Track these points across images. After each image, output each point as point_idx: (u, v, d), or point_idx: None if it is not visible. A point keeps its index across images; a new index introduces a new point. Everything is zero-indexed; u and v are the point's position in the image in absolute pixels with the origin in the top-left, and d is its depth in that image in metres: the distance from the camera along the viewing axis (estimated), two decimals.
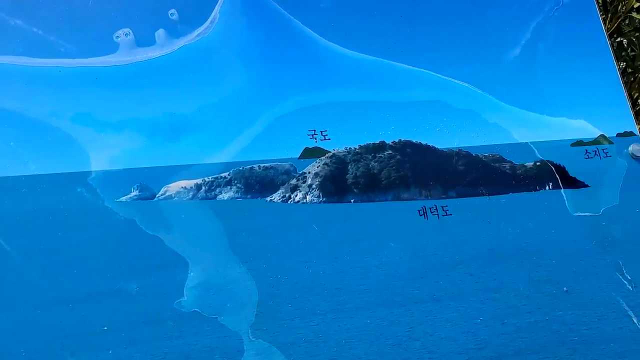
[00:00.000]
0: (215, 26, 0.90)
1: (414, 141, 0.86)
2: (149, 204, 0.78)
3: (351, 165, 0.84)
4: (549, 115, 0.89)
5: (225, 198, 0.80)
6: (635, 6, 1.32)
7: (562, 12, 0.96)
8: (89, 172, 0.77)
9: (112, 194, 0.77)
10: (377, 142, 0.86)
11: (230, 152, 0.83)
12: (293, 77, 0.88)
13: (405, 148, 0.86)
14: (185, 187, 0.80)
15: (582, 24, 0.96)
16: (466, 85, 0.89)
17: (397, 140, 0.86)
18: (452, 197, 0.83)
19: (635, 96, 1.79)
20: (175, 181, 0.80)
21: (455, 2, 0.94)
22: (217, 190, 0.80)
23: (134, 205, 0.77)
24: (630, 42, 1.54)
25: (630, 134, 0.90)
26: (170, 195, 0.80)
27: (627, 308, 0.80)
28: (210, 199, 0.80)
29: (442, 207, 0.82)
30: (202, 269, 0.76)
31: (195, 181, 0.80)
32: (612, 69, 0.93)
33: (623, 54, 1.55)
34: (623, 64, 1.59)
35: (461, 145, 0.86)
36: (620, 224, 0.84)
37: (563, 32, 0.95)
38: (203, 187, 0.80)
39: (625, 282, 0.82)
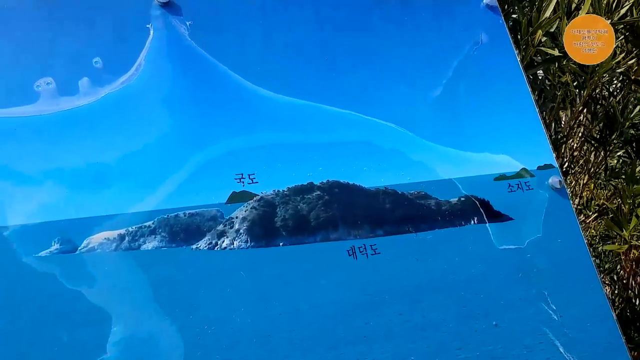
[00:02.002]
0: (141, 73, 0.90)
1: (342, 181, 0.87)
2: (71, 257, 0.76)
3: (279, 207, 0.84)
4: (472, 152, 0.92)
5: (150, 248, 0.78)
6: (542, 40, 1.40)
7: (481, 50, 1.00)
8: (6, 227, 0.75)
9: (31, 249, 0.75)
10: (306, 183, 0.86)
11: (154, 200, 0.81)
12: (220, 121, 0.88)
13: (333, 188, 0.86)
14: (108, 238, 0.78)
15: (499, 60, 1.00)
16: (391, 125, 0.91)
17: (325, 181, 0.87)
18: (380, 236, 0.84)
19: (553, 126, 1.87)
20: (98, 232, 0.78)
21: (378, 43, 0.97)
22: (141, 240, 0.79)
23: (55, 259, 0.75)
24: (545, 74, 1.62)
25: (550, 166, 0.94)
26: (93, 247, 0.77)
27: (553, 338, 0.82)
28: (134, 249, 0.78)
29: (371, 246, 0.83)
30: (125, 323, 0.74)
31: (118, 231, 0.79)
32: (530, 103, 0.97)
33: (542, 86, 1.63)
34: (541, 97, 1.67)
35: (387, 183, 0.88)
36: (544, 255, 0.87)
37: (482, 70, 0.99)
38: (127, 238, 0.79)
39: (551, 312, 0.84)
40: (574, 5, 1.67)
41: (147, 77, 0.90)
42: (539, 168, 0.93)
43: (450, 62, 0.98)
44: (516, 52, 1.55)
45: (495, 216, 0.88)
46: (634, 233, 1.49)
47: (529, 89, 0.98)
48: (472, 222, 0.87)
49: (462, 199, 0.88)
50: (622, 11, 1.81)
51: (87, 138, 0.83)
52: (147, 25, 0.93)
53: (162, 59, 0.91)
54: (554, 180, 0.92)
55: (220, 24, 0.94)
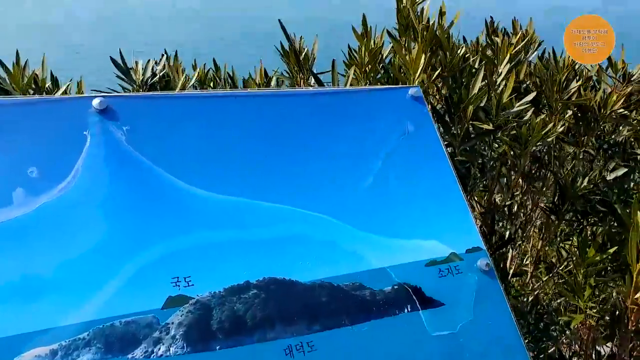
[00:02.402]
0: (78, 180, 0.92)
1: (278, 277, 0.89)
2: None
3: (216, 310, 0.85)
4: (403, 239, 0.96)
5: None
6: (476, 112, 1.49)
7: (408, 140, 1.06)
8: None
9: None
10: (242, 282, 0.88)
11: (90, 310, 0.82)
12: (156, 224, 0.90)
13: (270, 285, 0.88)
14: (39, 355, 0.77)
15: (426, 149, 1.07)
16: (325, 216, 0.95)
17: (261, 279, 0.89)
18: (317, 331, 0.86)
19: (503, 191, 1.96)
20: (28, 350, 0.77)
21: (309, 139, 1.02)
22: (75, 353, 0.78)
23: None
24: (484, 145, 1.72)
25: (478, 249, 0.98)
26: None
27: None
28: None
29: (308, 342, 0.84)
30: None
31: (51, 347, 0.78)
32: (456, 188, 1.02)
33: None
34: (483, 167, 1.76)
35: (323, 276, 0.90)
36: (476, 339, 0.90)
37: (410, 159, 1.04)
38: (59, 352, 0.78)
39: None
40: (501, 79, 1.79)
41: (84, 184, 0.92)
42: (468, 251, 0.98)
43: (380, 153, 1.03)
44: (451, 126, 1.64)
45: (428, 302, 0.91)
46: (589, 304, 1.53)
47: (455, 175, 1.04)
48: (406, 310, 0.90)
49: (396, 287, 0.91)
50: (572, 90, 1.95)
51: (20, 251, 0.84)
52: (85, 132, 0.96)
53: (99, 164, 0.94)
54: (482, 262, 0.96)
55: (156, 129, 0.98)
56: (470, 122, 1.53)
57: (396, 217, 0.97)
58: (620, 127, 2.08)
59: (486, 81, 1.73)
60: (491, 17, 2.30)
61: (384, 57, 1.88)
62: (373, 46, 1.83)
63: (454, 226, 0.99)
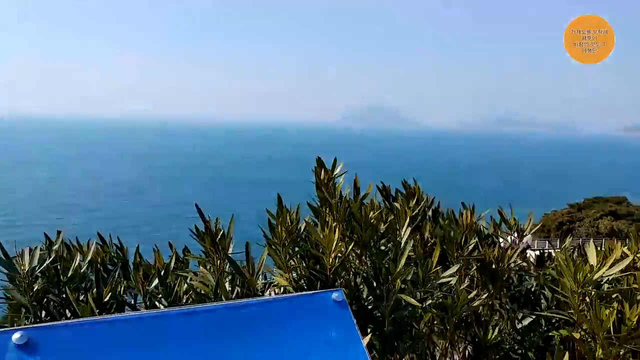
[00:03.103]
0: None
1: None
2: None
3: None
4: None
5: None
6: (402, 286, 1.54)
7: (331, 343, 1.06)
8: None
9: None
10: None
11: None
12: None
13: None
14: None
15: (347, 351, 1.06)
16: None
17: None
18: None
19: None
20: None
21: (235, 351, 0.99)
22: None
23: None
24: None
25: None
26: None
27: None
28: None
29: None
30: None
31: None
32: None
33: None
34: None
35: None
36: None
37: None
38: None
39: None
40: (404, 241, 1.89)
41: None
42: None
43: (306, 357, 1.02)
44: (378, 293, 1.66)
45: None
46: None
47: None
48: None
49: None
50: (470, 247, 2.11)
51: None
52: None
53: None
54: None
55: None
56: (399, 294, 1.56)
57: None
58: (527, 278, 2.25)
59: (413, 254, 1.82)
60: (382, 182, 2.49)
61: (300, 232, 1.92)
62: (289, 223, 1.87)
63: None
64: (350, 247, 1.82)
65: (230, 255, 1.93)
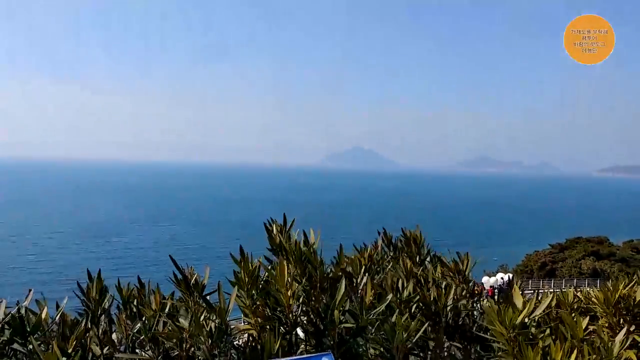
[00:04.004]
0: None
1: None
2: None
3: None
4: None
5: None
6: (342, 318, 1.85)
7: None
8: None
9: None
10: None
11: None
12: None
13: None
14: None
15: None
16: None
17: None
18: None
19: None
20: None
21: None
22: None
23: None
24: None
25: None
26: None
27: None
28: None
29: None
30: None
31: None
32: None
33: None
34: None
35: None
36: None
37: None
38: None
39: None
40: (361, 287, 2.23)
41: None
42: None
43: None
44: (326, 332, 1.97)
45: None
46: None
47: None
48: None
49: None
50: (408, 290, 2.45)
51: None
52: None
53: None
54: None
55: None
56: (338, 326, 1.89)
57: None
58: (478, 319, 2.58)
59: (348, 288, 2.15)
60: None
61: (261, 276, 2.26)
62: (250, 269, 2.22)
63: None
64: (300, 287, 2.16)
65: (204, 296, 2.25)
